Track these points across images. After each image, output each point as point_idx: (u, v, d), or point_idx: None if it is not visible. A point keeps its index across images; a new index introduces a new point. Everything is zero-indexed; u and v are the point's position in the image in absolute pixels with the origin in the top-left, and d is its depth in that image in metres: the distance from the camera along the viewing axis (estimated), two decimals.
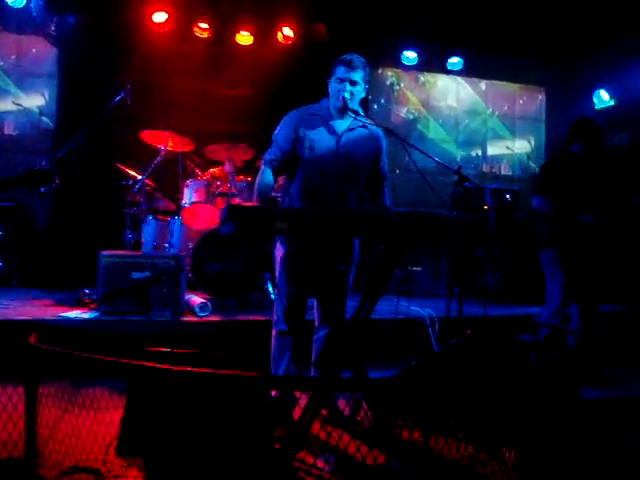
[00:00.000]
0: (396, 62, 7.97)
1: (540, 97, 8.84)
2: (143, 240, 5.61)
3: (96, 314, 4.39)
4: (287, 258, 3.22)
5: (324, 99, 3.29)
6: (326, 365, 3.26)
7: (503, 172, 8.68)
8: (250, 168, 5.70)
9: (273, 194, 4.16)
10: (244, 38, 7.26)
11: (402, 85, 8.30)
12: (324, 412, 3.08)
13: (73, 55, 6.85)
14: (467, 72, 8.26)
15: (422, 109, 8.37)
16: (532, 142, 8.79)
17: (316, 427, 2.69)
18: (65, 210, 6.75)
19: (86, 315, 4.34)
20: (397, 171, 7.53)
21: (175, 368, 1.85)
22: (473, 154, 8.61)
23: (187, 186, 5.59)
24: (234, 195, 5.42)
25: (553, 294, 4.09)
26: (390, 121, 7.91)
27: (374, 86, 7.97)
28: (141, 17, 6.83)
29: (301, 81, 6.59)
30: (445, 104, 8.46)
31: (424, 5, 6.94)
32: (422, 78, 8.37)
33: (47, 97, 6.93)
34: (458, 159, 8.28)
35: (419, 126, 8.33)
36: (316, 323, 3.39)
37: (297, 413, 2.81)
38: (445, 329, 4.45)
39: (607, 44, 7.33)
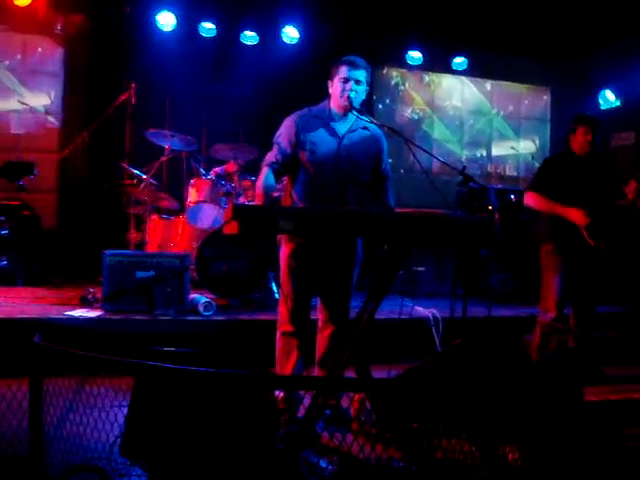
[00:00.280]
0: (401, 62, 7.97)
1: (545, 97, 8.82)
2: (147, 239, 5.62)
3: (100, 313, 4.40)
4: (291, 258, 3.22)
5: (324, 101, 3.29)
6: (330, 365, 3.26)
7: (508, 172, 8.66)
8: (254, 168, 5.71)
9: (276, 194, 4.18)
10: (249, 38, 7.28)
11: (407, 85, 8.29)
12: (328, 412, 3.08)
13: (78, 54, 6.88)
14: (472, 72, 8.25)
15: (427, 109, 8.36)
16: (537, 142, 8.78)
17: (320, 427, 2.70)
18: (70, 209, 6.77)
19: (91, 314, 4.36)
20: (402, 171, 7.53)
21: (179, 367, 1.86)
22: (478, 154, 8.60)
23: (191, 185, 5.60)
24: (238, 194, 5.43)
25: (545, 292, 4.04)
26: (395, 121, 7.90)
27: (379, 86, 7.97)
28: (146, 16, 6.85)
29: (306, 81, 6.59)
30: (450, 104, 8.45)
31: (429, 5, 6.94)
32: (427, 78, 8.36)
33: (52, 96, 6.96)
34: (463, 159, 8.27)
35: (424, 126, 8.33)
36: (320, 323, 3.39)
37: (301, 413, 2.82)
38: (449, 329, 4.44)
39: (612, 44, 7.31)
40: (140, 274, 4.53)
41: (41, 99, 6.92)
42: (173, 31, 6.95)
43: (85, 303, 4.69)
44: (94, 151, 6.17)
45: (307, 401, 2.57)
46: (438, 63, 8.12)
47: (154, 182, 5.71)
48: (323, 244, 3.17)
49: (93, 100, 6.49)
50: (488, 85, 8.59)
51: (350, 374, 2.93)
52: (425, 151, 3.28)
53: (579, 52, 7.79)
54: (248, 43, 7.29)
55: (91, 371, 2.17)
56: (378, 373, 3.17)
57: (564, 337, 4.10)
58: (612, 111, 7.71)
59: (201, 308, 4.50)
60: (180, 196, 5.89)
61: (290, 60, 7.19)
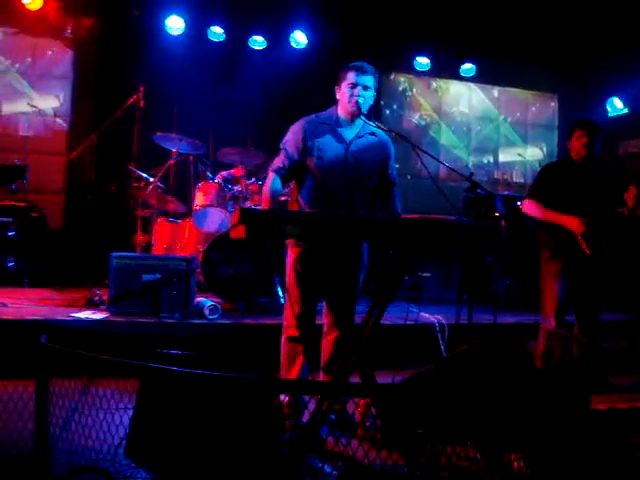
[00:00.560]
0: (408, 68, 7.97)
1: (553, 104, 8.81)
2: (154, 242, 5.64)
3: (106, 315, 4.41)
4: (297, 262, 3.23)
5: (332, 107, 3.30)
6: (335, 370, 3.26)
7: (515, 179, 8.65)
8: (261, 172, 5.72)
9: (282, 199, 4.18)
10: (257, 42, 7.30)
11: (414, 91, 8.30)
12: (333, 417, 3.08)
13: (88, 58, 6.92)
14: (480, 78, 8.25)
15: (434, 115, 8.37)
16: (544, 149, 8.76)
17: (325, 432, 2.69)
18: (77, 211, 6.80)
19: (96, 316, 4.37)
20: (408, 177, 7.53)
21: (184, 370, 1.86)
22: (485, 161, 8.59)
23: (198, 189, 5.62)
24: (245, 198, 5.44)
25: (548, 300, 4.00)
26: (402, 127, 7.91)
27: (386, 92, 7.98)
28: (155, 20, 6.89)
29: (314, 86, 6.60)
30: (457, 110, 8.45)
31: (437, 11, 6.95)
32: (434, 84, 8.37)
33: (62, 99, 7.00)
34: (470, 165, 8.27)
35: (431, 132, 8.33)
36: (325, 327, 3.39)
37: (306, 417, 2.81)
38: (454, 336, 4.43)
39: (620, 51, 7.30)
40: (146, 277, 4.54)
41: (50, 102, 6.96)
42: (182, 35, 6.98)
43: (91, 305, 4.70)
44: (102, 154, 6.20)
45: (312, 406, 2.57)
46: (446, 69, 8.12)
47: (161, 185, 5.73)
48: (329, 249, 3.17)
49: (102, 103, 6.52)
50: (495, 91, 8.58)
51: (355, 379, 2.93)
52: (432, 157, 3.28)
53: (587, 59, 7.78)
54: (256, 48, 7.32)
55: (97, 373, 2.18)
56: (383, 378, 3.16)
57: (568, 345, 4.07)
58: (620, 118, 7.68)
59: (207, 311, 4.51)
60: (187, 199, 5.91)
61: (298, 65, 7.20)
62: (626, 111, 7.69)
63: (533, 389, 2.20)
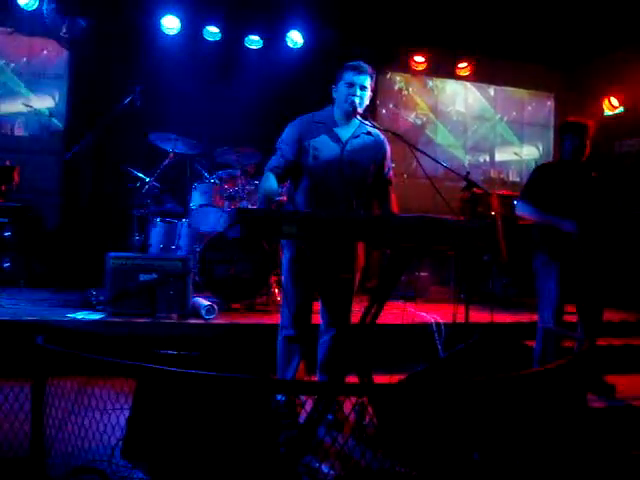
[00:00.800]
0: (405, 67, 7.98)
1: (549, 103, 8.82)
2: (150, 242, 5.63)
3: (103, 315, 4.41)
4: (294, 262, 3.22)
5: (328, 106, 3.30)
6: (332, 369, 3.26)
7: (511, 178, 8.66)
8: (258, 172, 5.72)
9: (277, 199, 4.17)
10: (253, 42, 7.30)
11: (410, 90, 8.30)
12: (330, 416, 3.07)
13: (83, 57, 6.90)
14: (476, 77, 8.25)
15: (430, 114, 8.37)
16: (540, 148, 8.78)
17: (321, 432, 2.69)
18: (74, 211, 6.78)
19: (93, 316, 4.36)
20: (405, 176, 7.52)
21: (180, 370, 1.86)
22: (481, 160, 8.60)
23: (195, 189, 5.61)
24: (242, 198, 5.44)
25: (544, 300, 4.00)
26: (398, 126, 7.91)
27: (382, 91, 7.98)
28: (151, 20, 6.88)
29: (310, 85, 6.60)
30: (453, 109, 8.46)
31: (433, 10, 6.95)
32: (431, 83, 8.38)
33: (57, 99, 6.98)
34: (466, 164, 8.28)
35: (427, 131, 8.33)
36: (322, 327, 3.39)
37: (303, 417, 2.81)
38: (451, 335, 4.44)
39: (616, 50, 7.31)
40: (143, 277, 4.54)
41: (46, 102, 6.95)
42: (178, 35, 6.97)
43: (87, 305, 4.70)
44: (98, 154, 6.19)
45: (309, 406, 2.57)
46: (442, 68, 8.13)
47: (157, 185, 5.72)
48: (326, 249, 3.17)
49: (97, 103, 6.50)
50: (492, 90, 8.59)
51: (352, 379, 2.93)
52: (428, 156, 3.29)
53: (583, 58, 7.80)
54: (252, 47, 7.31)
55: (93, 373, 2.17)
56: (380, 378, 3.16)
57: (566, 344, 4.07)
58: (616, 117, 7.70)
59: (203, 312, 4.51)
60: (184, 199, 5.90)
61: (294, 64, 7.20)
62: (622, 110, 7.71)
63: (530, 388, 2.20)
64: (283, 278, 3.31)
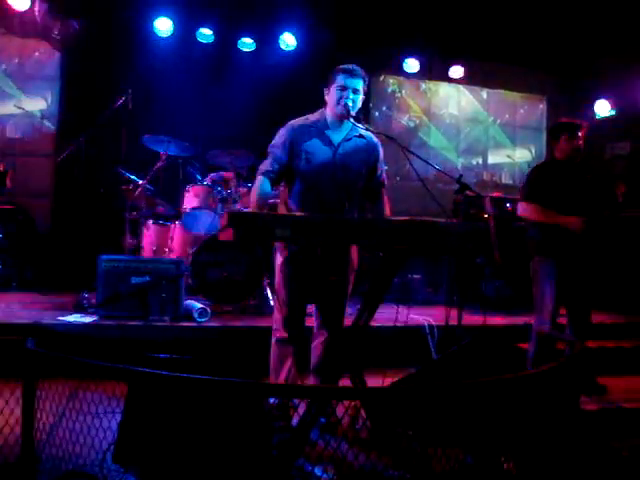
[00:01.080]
0: (398, 70, 8.00)
1: (541, 106, 8.86)
2: (143, 245, 5.61)
3: (95, 318, 4.39)
4: (286, 265, 3.22)
5: (321, 109, 3.29)
6: (325, 372, 3.25)
7: (504, 180, 8.69)
8: (251, 174, 5.71)
9: (271, 201, 4.17)
10: (246, 44, 7.29)
11: (404, 93, 8.32)
12: (322, 419, 3.07)
13: (76, 59, 6.88)
14: (469, 80, 8.29)
15: (423, 117, 8.39)
16: (533, 151, 8.81)
17: (315, 435, 2.68)
18: (65, 213, 6.76)
19: (85, 319, 4.34)
20: (398, 179, 7.54)
21: (172, 374, 1.85)
22: (474, 162, 8.62)
23: (187, 191, 5.60)
24: (235, 201, 5.43)
25: (542, 303, 4.02)
26: (391, 128, 7.92)
27: (375, 93, 8.00)
28: (144, 22, 6.87)
29: (303, 88, 6.60)
30: (446, 112, 8.48)
31: (426, 13, 6.97)
32: (424, 86, 8.40)
33: (49, 100, 6.96)
34: (459, 167, 8.30)
35: (420, 134, 8.35)
36: (315, 330, 3.39)
37: (295, 420, 2.80)
38: (444, 337, 4.44)
39: (608, 54, 7.35)
40: (135, 280, 4.52)
41: (38, 103, 6.92)
42: (170, 37, 6.97)
43: (79, 308, 4.67)
44: (90, 156, 6.15)
45: (302, 409, 2.56)
46: (435, 71, 8.16)
47: (150, 187, 5.71)
48: (319, 251, 3.17)
49: (90, 105, 6.48)
50: (484, 93, 8.62)
51: (345, 381, 2.92)
52: (421, 159, 3.29)
53: (575, 62, 7.83)
54: (245, 50, 7.31)
55: (84, 377, 2.16)
56: (373, 381, 3.16)
57: (559, 346, 4.08)
58: (607, 120, 7.75)
59: (196, 314, 4.49)
60: (176, 202, 5.88)
61: (287, 67, 7.21)
62: (613, 113, 7.75)
63: (523, 390, 2.21)
64: (276, 281, 3.30)
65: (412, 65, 7.91)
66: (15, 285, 5.86)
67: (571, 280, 3.99)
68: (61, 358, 1.99)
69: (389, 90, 8.28)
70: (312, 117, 3.28)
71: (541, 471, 2.30)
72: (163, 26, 6.89)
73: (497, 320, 5.31)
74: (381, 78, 8.17)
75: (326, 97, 3.24)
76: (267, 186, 3.17)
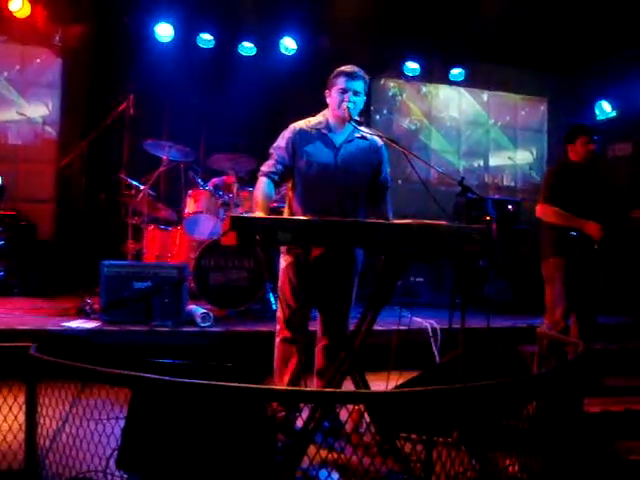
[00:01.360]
0: (398, 73, 7.99)
1: (542, 108, 8.85)
2: (145, 250, 5.61)
3: (98, 324, 4.38)
4: (290, 269, 3.22)
5: (322, 112, 3.30)
6: (328, 376, 3.24)
7: (505, 183, 8.68)
8: (253, 179, 5.71)
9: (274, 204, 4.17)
10: (247, 49, 7.30)
11: (404, 96, 8.32)
12: (326, 424, 3.06)
13: (77, 65, 6.90)
14: (469, 83, 8.28)
15: (424, 120, 8.39)
16: (534, 153, 8.80)
17: (318, 439, 2.68)
18: (67, 219, 6.76)
19: (88, 325, 4.34)
20: (399, 181, 7.53)
21: (176, 379, 1.84)
22: (475, 165, 8.61)
23: (189, 196, 5.60)
24: (236, 205, 5.43)
25: (553, 305, 4.05)
26: (392, 131, 7.91)
27: (376, 97, 8.00)
28: (144, 28, 6.88)
29: (304, 92, 6.61)
30: (447, 115, 8.48)
31: (426, 16, 6.97)
32: (424, 89, 8.39)
33: (50, 107, 6.97)
34: (460, 170, 8.29)
35: (421, 137, 8.35)
36: (318, 333, 3.38)
37: (299, 424, 2.79)
38: (448, 340, 4.43)
39: (609, 55, 7.35)
40: (138, 285, 4.52)
41: (39, 110, 6.93)
42: (171, 42, 6.97)
43: (82, 314, 4.67)
44: (92, 162, 6.17)
45: (305, 413, 2.55)
46: (435, 74, 8.15)
47: (152, 193, 5.71)
48: (322, 255, 3.16)
49: (91, 111, 6.50)
50: (485, 96, 8.62)
51: (348, 385, 2.91)
52: (423, 161, 3.29)
53: (576, 63, 7.83)
54: (246, 54, 7.32)
55: (87, 383, 2.15)
56: (376, 384, 3.15)
57: (565, 348, 4.08)
58: (608, 122, 7.74)
59: (199, 319, 4.49)
60: (178, 207, 5.89)
61: (288, 71, 7.21)
62: (614, 114, 7.74)
63: (527, 393, 2.20)
64: (280, 285, 3.30)
65: (412, 68, 7.90)
66: (17, 291, 5.85)
67: (581, 282, 4.03)
68: (64, 364, 1.99)
69: (390, 93, 8.28)
70: (314, 119, 3.28)
71: (546, 474, 2.29)
72: (164, 32, 6.90)
73: (500, 323, 5.29)
74: (382, 81, 8.16)
75: (327, 100, 3.25)
76: (270, 188, 3.17)
